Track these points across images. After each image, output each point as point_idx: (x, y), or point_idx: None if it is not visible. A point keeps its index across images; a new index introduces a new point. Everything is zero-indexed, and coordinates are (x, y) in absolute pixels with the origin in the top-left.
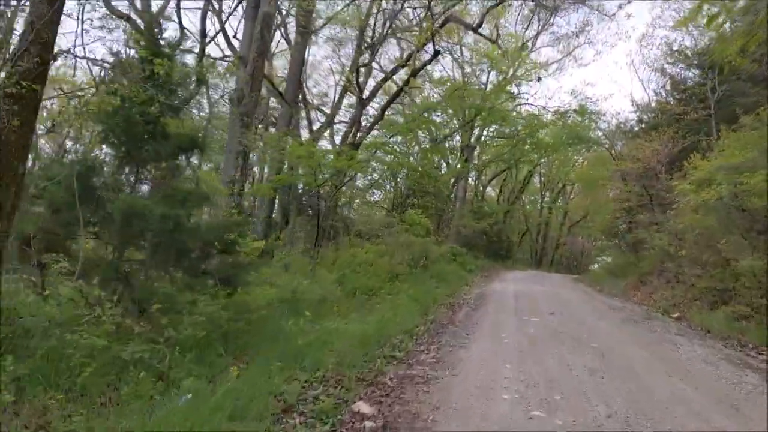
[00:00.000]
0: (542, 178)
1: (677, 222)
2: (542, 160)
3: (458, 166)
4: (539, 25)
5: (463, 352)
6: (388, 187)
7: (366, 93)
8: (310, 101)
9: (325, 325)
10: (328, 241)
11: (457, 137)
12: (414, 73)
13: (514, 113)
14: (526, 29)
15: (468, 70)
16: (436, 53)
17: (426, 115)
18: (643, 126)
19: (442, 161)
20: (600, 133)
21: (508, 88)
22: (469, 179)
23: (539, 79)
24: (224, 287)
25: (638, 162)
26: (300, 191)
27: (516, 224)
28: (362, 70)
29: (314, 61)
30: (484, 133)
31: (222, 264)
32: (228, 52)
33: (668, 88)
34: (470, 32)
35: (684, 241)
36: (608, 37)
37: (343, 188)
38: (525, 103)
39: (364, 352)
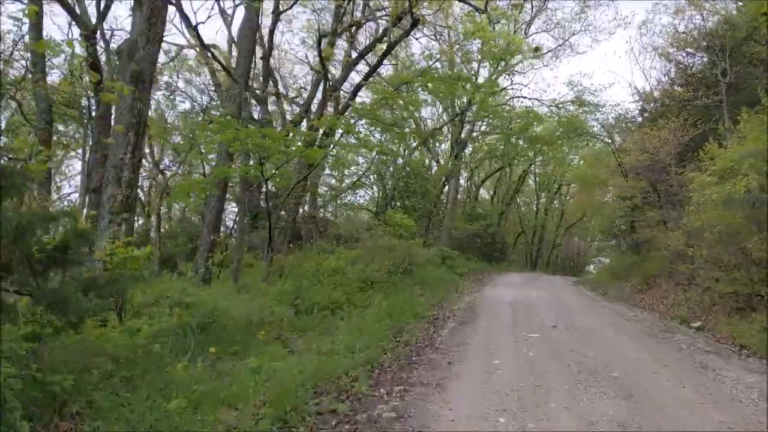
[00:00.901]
0: (537, 179)
1: (694, 219)
2: (538, 158)
3: (449, 165)
4: (533, 10)
5: (438, 398)
6: (374, 188)
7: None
8: (285, 93)
9: (246, 362)
10: (290, 246)
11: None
12: (390, 47)
13: (507, 107)
14: (519, 13)
15: (458, 59)
16: (415, 23)
17: (405, 92)
18: (646, 115)
19: (433, 162)
20: (599, 126)
21: (500, 78)
22: (461, 180)
23: (537, 50)
24: (61, 317)
25: (645, 153)
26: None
27: (511, 226)
28: (335, 50)
29: (292, 53)
30: (476, 127)
31: (64, 282)
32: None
33: (673, 74)
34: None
35: (702, 240)
36: (606, 23)
37: (316, 185)
38: (519, 96)
39: (284, 410)
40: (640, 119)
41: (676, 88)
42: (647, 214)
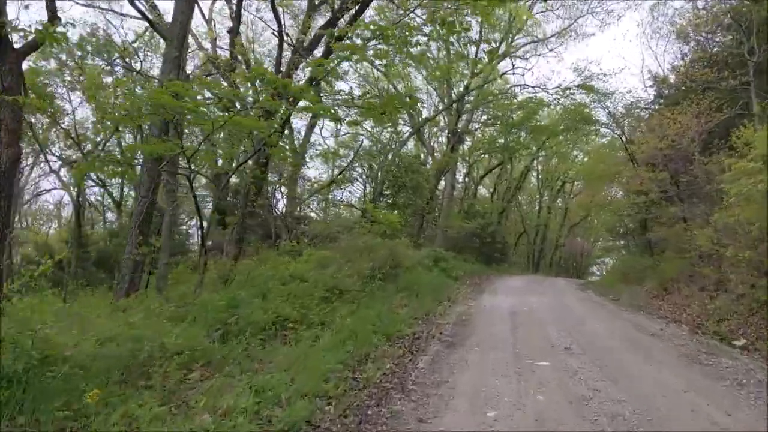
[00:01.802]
0: (540, 176)
1: (726, 214)
2: (541, 152)
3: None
4: None
5: None
6: (363, 185)
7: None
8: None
9: None
10: (242, 247)
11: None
12: (364, 4)
13: (509, 94)
14: None
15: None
16: None
17: (381, 46)
18: (662, 101)
19: (428, 157)
20: (608, 117)
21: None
22: (458, 176)
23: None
24: None
25: (664, 141)
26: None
27: (512, 225)
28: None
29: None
30: (474, 117)
31: None
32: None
33: (691, 56)
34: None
35: (734, 239)
36: (615, 4)
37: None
38: (521, 85)
39: None
40: (654, 106)
41: (696, 69)
42: (669, 209)
